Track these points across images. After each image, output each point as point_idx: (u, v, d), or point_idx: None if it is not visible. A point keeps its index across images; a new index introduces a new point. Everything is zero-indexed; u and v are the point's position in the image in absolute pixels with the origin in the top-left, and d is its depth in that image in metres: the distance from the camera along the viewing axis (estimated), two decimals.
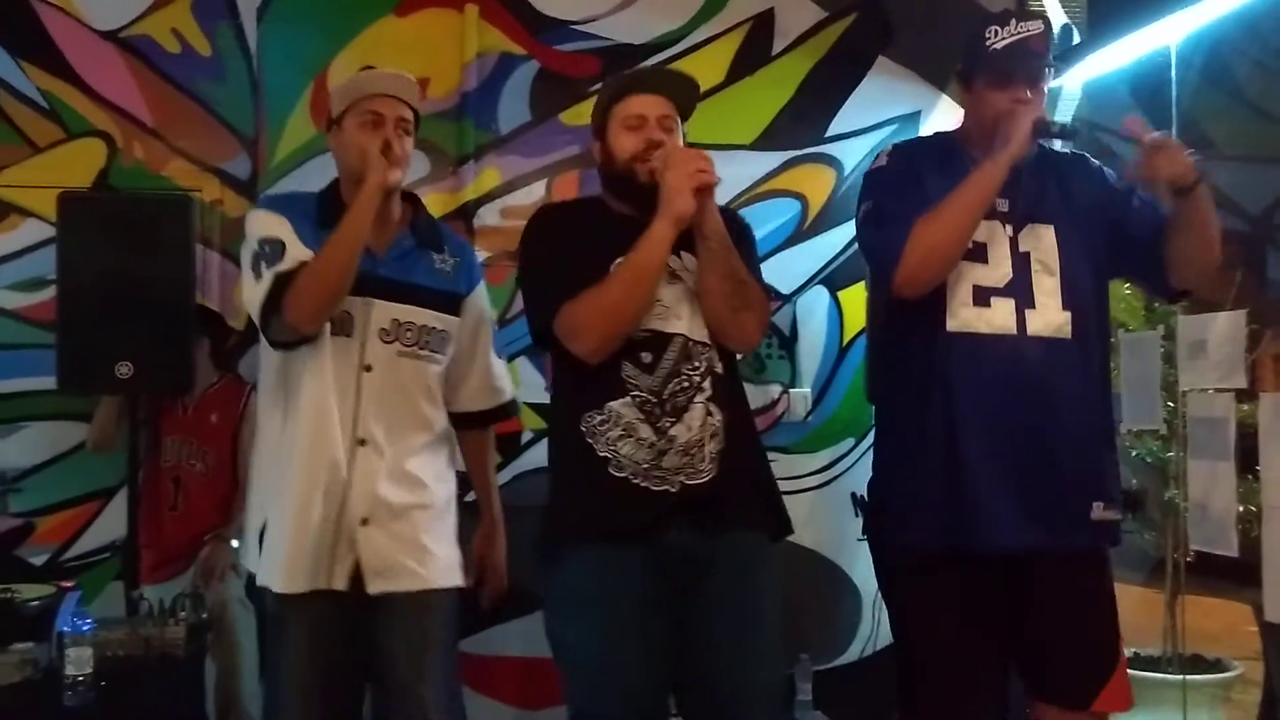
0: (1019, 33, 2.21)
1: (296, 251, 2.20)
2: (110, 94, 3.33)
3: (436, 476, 2.32)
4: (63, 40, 3.32)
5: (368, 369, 2.22)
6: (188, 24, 3.38)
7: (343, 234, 2.15)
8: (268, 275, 2.18)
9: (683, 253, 2.20)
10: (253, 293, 2.21)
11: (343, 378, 2.20)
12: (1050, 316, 2.23)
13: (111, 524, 3.22)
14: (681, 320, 2.17)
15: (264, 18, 3.41)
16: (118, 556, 3.18)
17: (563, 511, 2.21)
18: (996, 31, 2.23)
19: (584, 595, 2.12)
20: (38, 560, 3.23)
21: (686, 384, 2.14)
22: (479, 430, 2.55)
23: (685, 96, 2.29)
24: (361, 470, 2.19)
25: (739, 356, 2.33)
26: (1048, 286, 2.23)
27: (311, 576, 2.17)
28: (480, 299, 2.44)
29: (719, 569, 2.13)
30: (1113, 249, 2.32)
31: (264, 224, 2.26)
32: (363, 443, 2.20)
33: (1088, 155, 2.43)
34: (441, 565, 2.27)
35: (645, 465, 2.11)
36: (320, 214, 2.27)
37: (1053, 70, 2.31)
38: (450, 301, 2.34)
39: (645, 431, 2.11)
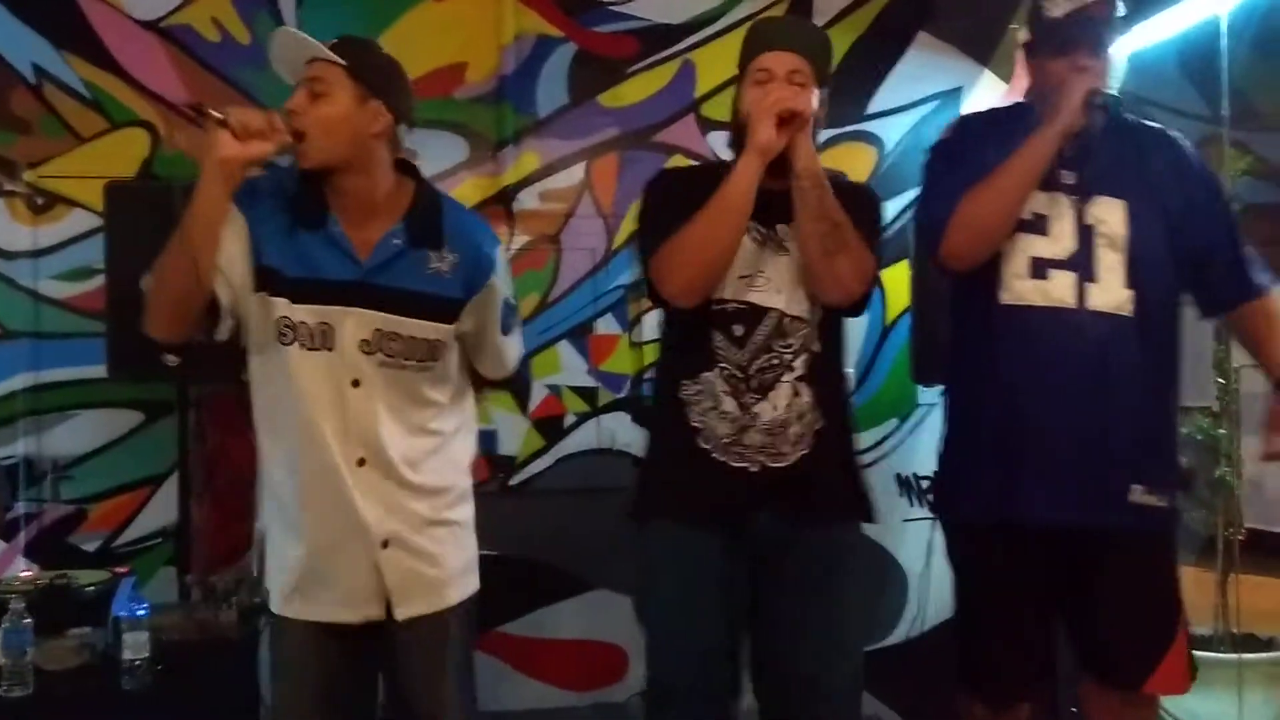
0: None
1: None
2: (152, 83, 3.36)
3: (450, 478, 2.15)
4: (104, 30, 3.34)
5: (355, 384, 2.02)
6: (227, 12, 3.39)
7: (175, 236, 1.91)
8: None
9: (792, 223, 2.15)
10: None
11: (330, 395, 2.01)
12: (1112, 293, 2.17)
13: (162, 510, 3.25)
14: (780, 294, 2.14)
15: (302, 4, 3.42)
16: (169, 542, 3.21)
17: (652, 481, 2.23)
18: None
19: (665, 565, 2.15)
20: (90, 547, 3.27)
21: (776, 361, 2.12)
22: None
23: (815, 50, 2.21)
24: (367, 492, 2.02)
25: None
26: (1111, 262, 2.17)
27: (334, 608, 2.04)
28: (487, 299, 2.14)
29: (803, 555, 2.13)
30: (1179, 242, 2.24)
31: None
32: (361, 463, 2.03)
33: (1182, 139, 2.32)
34: (458, 578, 2.14)
35: (726, 440, 2.10)
36: (297, 208, 2.03)
37: (1117, 34, 2.22)
38: (444, 308, 2.08)
39: (729, 405, 2.10)
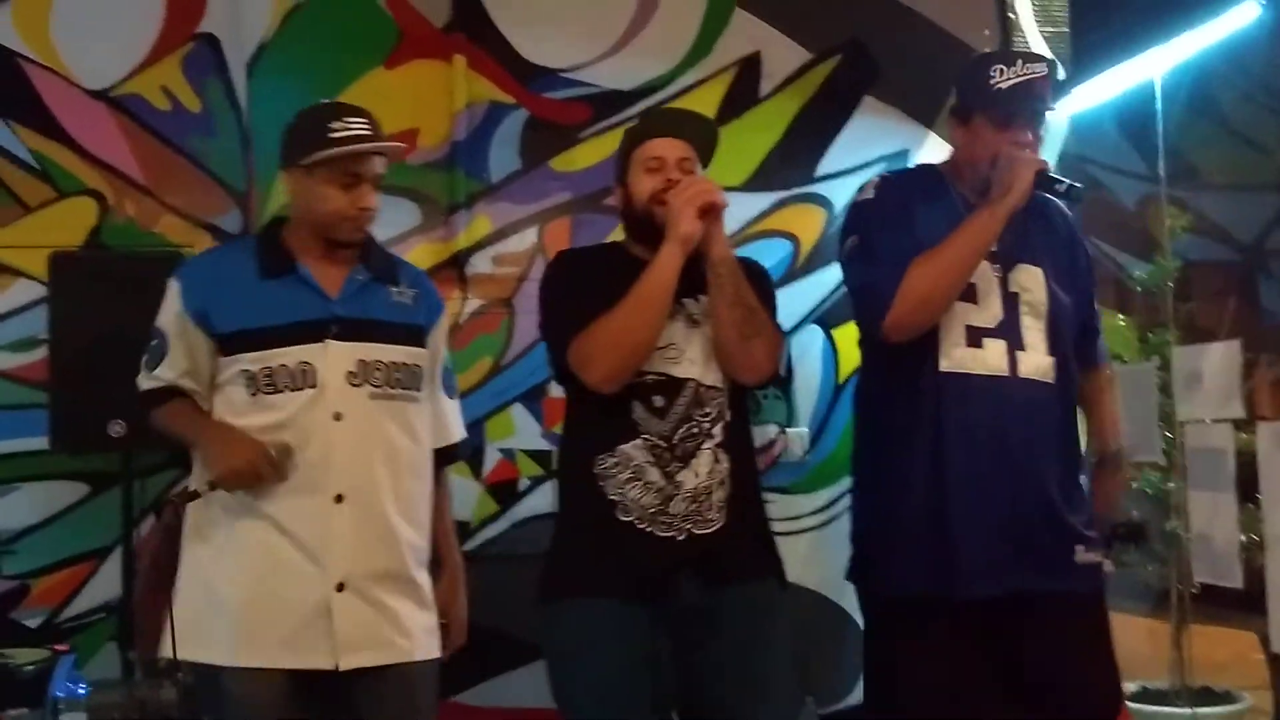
0: (1025, 74, 2.19)
1: (170, 365, 2.15)
2: (101, 152, 3.33)
3: (422, 533, 2.18)
4: (52, 100, 3.32)
5: (338, 418, 2.07)
6: (177, 81, 3.39)
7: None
8: (142, 384, 2.19)
9: (701, 296, 2.20)
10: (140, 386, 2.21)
11: (310, 430, 2.04)
12: (1038, 360, 2.22)
13: (106, 584, 3.18)
14: (695, 365, 2.17)
15: (253, 72, 3.42)
16: (113, 617, 3.14)
17: (568, 558, 2.20)
18: (1002, 70, 2.20)
19: (588, 645, 2.11)
20: (33, 623, 3.19)
21: (696, 430, 2.14)
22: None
23: (703, 139, 2.30)
24: (338, 530, 2.04)
25: (751, 396, 2.32)
26: (1035, 329, 2.23)
27: (281, 651, 2.02)
28: (439, 333, 2.31)
29: (727, 621, 2.12)
30: None
31: (165, 305, 2.21)
32: (339, 499, 2.05)
33: (1070, 216, 2.42)
34: (420, 637, 2.13)
35: (652, 510, 2.10)
36: (262, 261, 2.16)
37: (1052, 107, 2.32)
38: (414, 334, 2.21)
39: (654, 475, 2.11)
